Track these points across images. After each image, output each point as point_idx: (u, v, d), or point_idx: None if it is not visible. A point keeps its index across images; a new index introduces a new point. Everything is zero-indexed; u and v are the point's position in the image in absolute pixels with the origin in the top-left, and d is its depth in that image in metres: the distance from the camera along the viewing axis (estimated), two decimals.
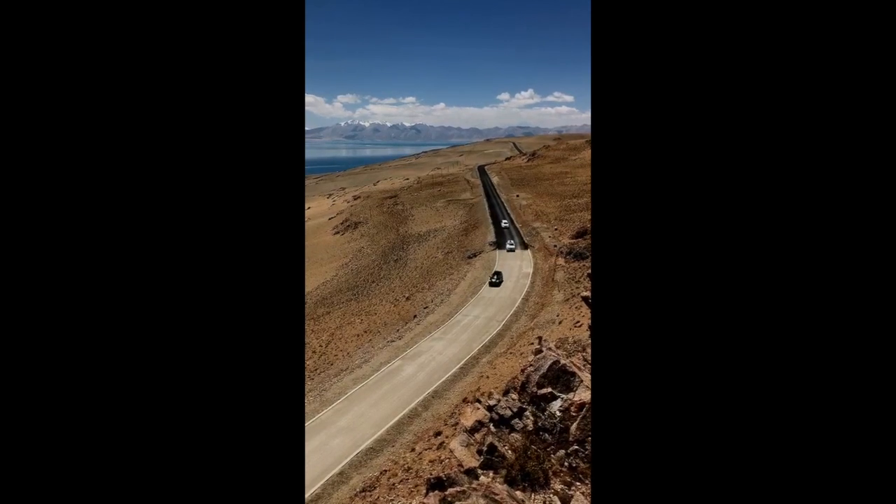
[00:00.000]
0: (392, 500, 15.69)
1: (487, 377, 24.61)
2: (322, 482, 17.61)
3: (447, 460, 16.00)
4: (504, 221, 71.03)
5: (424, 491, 9.18)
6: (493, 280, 43.66)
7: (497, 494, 7.32)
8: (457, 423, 17.93)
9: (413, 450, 18.94)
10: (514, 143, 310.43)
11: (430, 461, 17.35)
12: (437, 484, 8.07)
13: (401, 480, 16.75)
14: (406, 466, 17.67)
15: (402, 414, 22.22)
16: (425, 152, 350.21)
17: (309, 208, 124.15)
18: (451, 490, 7.52)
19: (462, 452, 9.00)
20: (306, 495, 16.96)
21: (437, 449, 18.05)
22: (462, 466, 8.55)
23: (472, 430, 9.65)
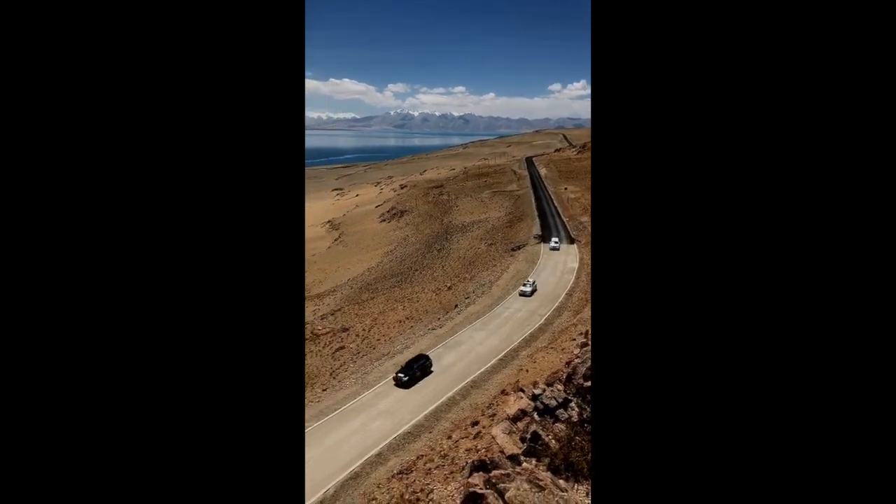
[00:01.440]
0: (428, 483, 15.86)
1: (527, 370, 24.41)
2: (361, 461, 18.02)
3: (484, 449, 16.03)
4: (554, 240, 53.70)
5: (468, 473, 9.23)
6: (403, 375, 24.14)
7: (541, 480, 7.26)
8: (494, 414, 17.90)
9: (450, 437, 19.06)
10: (563, 135, 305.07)
11: (467, 449, 17.40)
12: (480, 466, 8.09)
13: (437, 466, 16.89)
14: (442, 453, 17.80)
15: (440, 401, 22.39)
16: (473, 142, 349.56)
17: (357, 196, 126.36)
18: (494, 472, 7.51)
19: (504, 439, 8.97)
20: (347, 472, 17.41)
21: (474, 438, 18.07)
22: (504, 452, 8.53)
23: (514, 419, 9.60)
